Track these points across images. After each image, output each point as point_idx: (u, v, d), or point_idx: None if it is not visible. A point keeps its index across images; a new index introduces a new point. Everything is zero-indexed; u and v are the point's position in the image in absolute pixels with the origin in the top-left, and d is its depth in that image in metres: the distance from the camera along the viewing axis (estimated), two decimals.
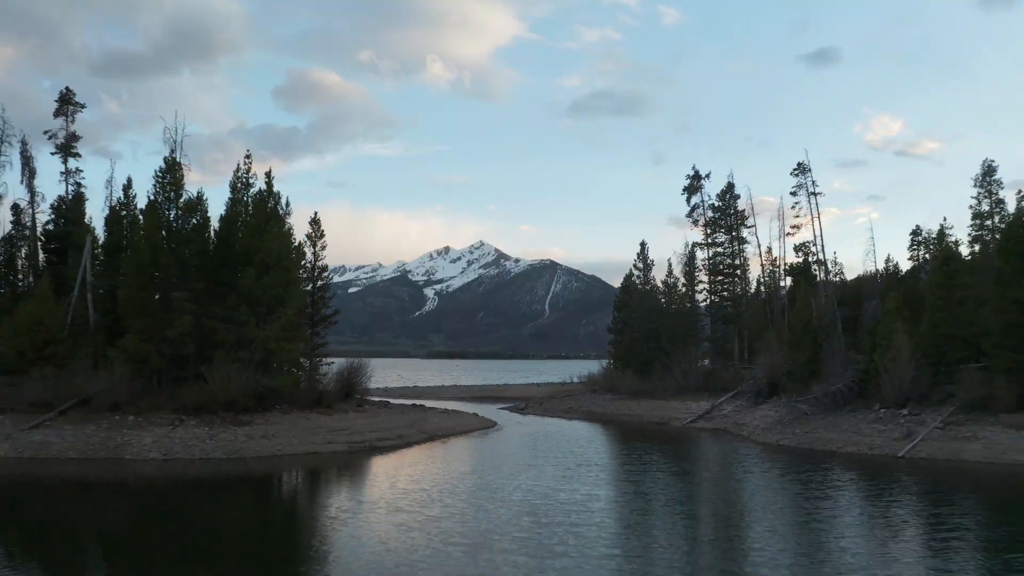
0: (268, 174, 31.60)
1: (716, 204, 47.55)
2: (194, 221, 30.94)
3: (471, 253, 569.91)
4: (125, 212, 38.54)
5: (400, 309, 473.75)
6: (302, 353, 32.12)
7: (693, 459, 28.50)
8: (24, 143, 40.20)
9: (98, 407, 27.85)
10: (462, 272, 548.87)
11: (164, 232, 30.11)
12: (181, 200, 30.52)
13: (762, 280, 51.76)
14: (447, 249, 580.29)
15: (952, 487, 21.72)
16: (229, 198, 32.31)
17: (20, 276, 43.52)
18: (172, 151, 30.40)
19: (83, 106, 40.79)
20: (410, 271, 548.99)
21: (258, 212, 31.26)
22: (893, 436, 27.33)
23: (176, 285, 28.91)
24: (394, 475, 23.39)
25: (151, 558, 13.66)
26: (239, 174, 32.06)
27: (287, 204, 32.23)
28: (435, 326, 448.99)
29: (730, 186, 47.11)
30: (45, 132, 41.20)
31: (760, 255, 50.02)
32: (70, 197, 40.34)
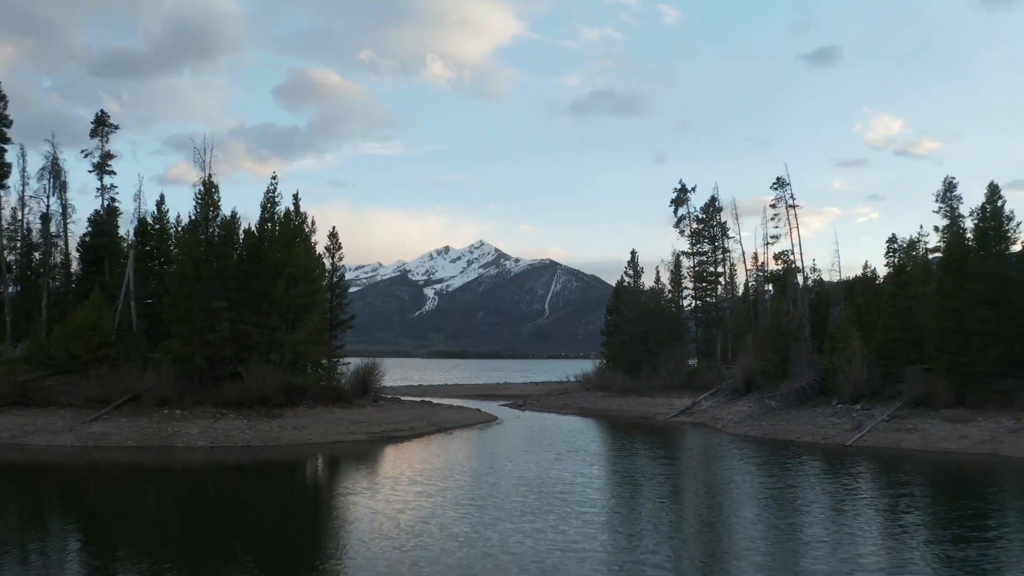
0: (295, 196, 35.89)
1: (700, 216, 51.64)
2: (213, 229, 35.03)
3: (471, 253, 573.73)
4: (159, 226, 42.80)
5: (400, 309, 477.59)
6: (324, 354, 36.16)
7: (669, 447, 32.53)
8: (55, 157, 44.01)
9: (148, 402, 31.93)
10: (462, 272, 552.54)
11: (203, 247, 34.12)
12: (218, 219, 34.59)
13: (749, 284, 55.89)
14: (447, 249, 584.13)
15: (883, 468, 25.76)
16: (260, 217, 36.36)
17: (54, 282, 47.76)
18: (209, 175, 34.43)
19: (116, 127, 44.79)
20: (410, 271, 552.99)
21: (285, 229, 35.32)
22: (845, 428, 31.42)
23: (215, 295, 32.93)
24: (410, 459, 27.46)
25: (203, 528, 17.58)
26: (268, 195, 36.12)
27: (312, 223, 36.33)
28: (435, 326, 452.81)
29: (713, 199, 51.27)
30: (82, 151, 45.25)
31: (744, 261, 54.19)
32: (105, 211, 44.54)
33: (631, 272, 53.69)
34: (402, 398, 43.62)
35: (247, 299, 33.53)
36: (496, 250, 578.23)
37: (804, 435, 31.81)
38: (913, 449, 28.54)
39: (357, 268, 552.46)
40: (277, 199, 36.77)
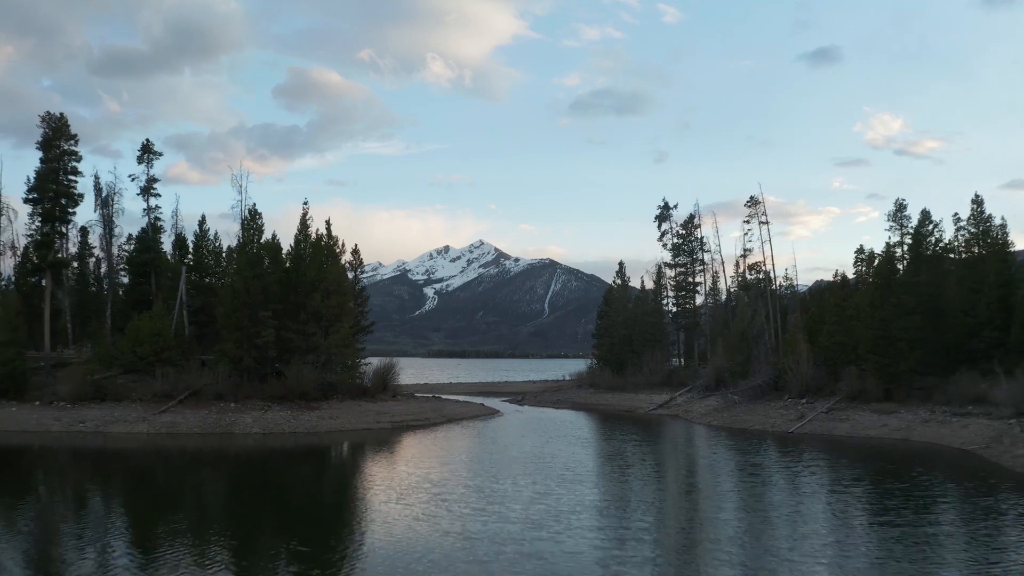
0: (327, 223, 42.59)
1: (680, 232, 58.17)
2: (257, 249, 41.60)
3: (471, 252, 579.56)
4: (202, 242, 49.34)
5: (400, 308, 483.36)
6: (352, 355, 42.67)
7: (642, 432, 38.99)
8: (96, 177, 50.15)
9: (206, 397, 38.44)
10: (462, 271, 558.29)
11: (251, 266, 40.55)
12: (262, 240, 41.06)
13: (728, 289, 62.38)
14: (447, 248, 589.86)
15: (811, 449, 32.19)
16: (295, 238, 42.82)
17: (99, 292, 54.24)
18: (253, 208, 40.94)
19: (160, 154, 51.09)
20: (410, 270, 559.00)
21: (317, 250, 41.78)
22: (790, 418, 37.91)
23: (261, 306, 39.35)
24: (429, 442, 33.92)
25: (268, 497, 24.09)
26: (304, 220, 42.58)
27: (342, 245, 42.84)
28: (435, 325, 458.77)
29: (692, 216, 57.73)
30: (129, 176, 51.79)
31: (724, 267, 60.72)
32: (151, 229, 50.96)
33: (618, 281, 60.25)
34: (415, 394, 50.07)
35: (288, 309, 39.98)
36: (496, 249, 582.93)
37: (756, 424, 38.31)
38: (842, 435, 34.96)
39: (357, 267, 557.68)
40: (309, 222, 43.22)
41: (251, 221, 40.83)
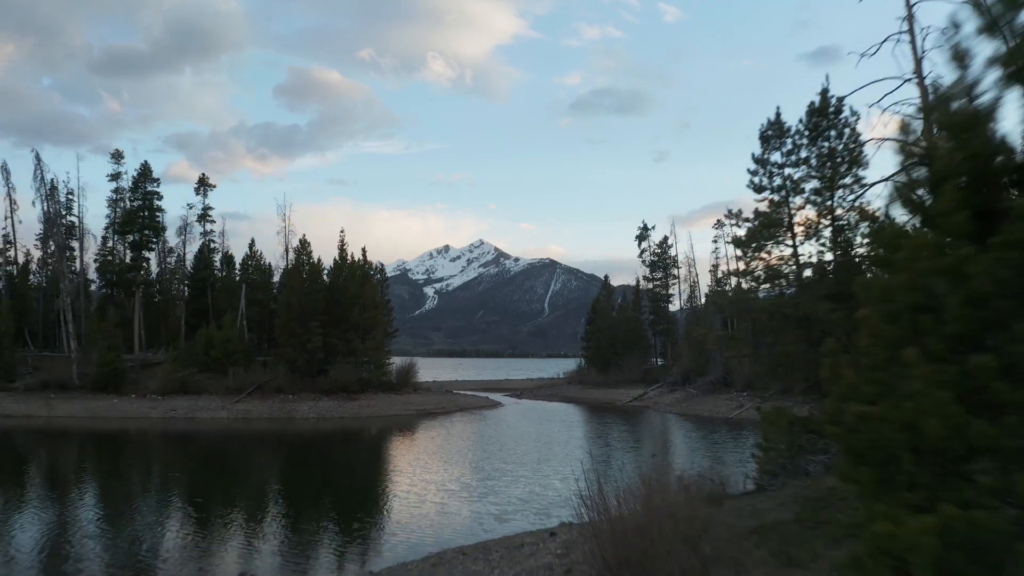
0: (364, 251, 53.21)
1: (657, 251, 68.93)
2: (305, 271, 52.28)
3: (471, 252, 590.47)
4: (252, 261, 60.10)
5: (400, 307, 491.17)
6: (383, 357, 53.44)
7: (616, 416, 49.60)
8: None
9: (268, 390, 49.06)
10: (462, 271, 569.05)
11: (299, 284, 51.21)
12: (309, 262, 51.78)
13: (705, 294, 73.18)
14: (447, 248, 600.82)
15: (731, 428, 42.78)
16: (334, 261, 53.54)
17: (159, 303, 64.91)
18: (304, 239, 51.59)
19: (214, 186, 61.92)
20: (410, 269, 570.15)
21: (352, 271, 52.45)
22: (732, 407, 48.57)
23: (311, 317, 49.98)
24: (447, 424, 44.53)
25: (325, 465, 34.73)
26: (342, 245, 53.28)
27: (379, 269, 53.44)
28: (435, 324, 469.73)
29: (665, 238, 68.58)
30: (188, 205, 62.53)
31: (697, 281, 71.44)
32: (207, 250, 61.71)
33: (604, 292, 71.02)
34: (429, 389, 60.78)
35: (331, 320, 50.62)
36: (496, 249, 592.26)
37: (706, 411, 49.00)
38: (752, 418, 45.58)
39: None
40: (346, 246, 53.94)
41: (302, 248, 51.50)
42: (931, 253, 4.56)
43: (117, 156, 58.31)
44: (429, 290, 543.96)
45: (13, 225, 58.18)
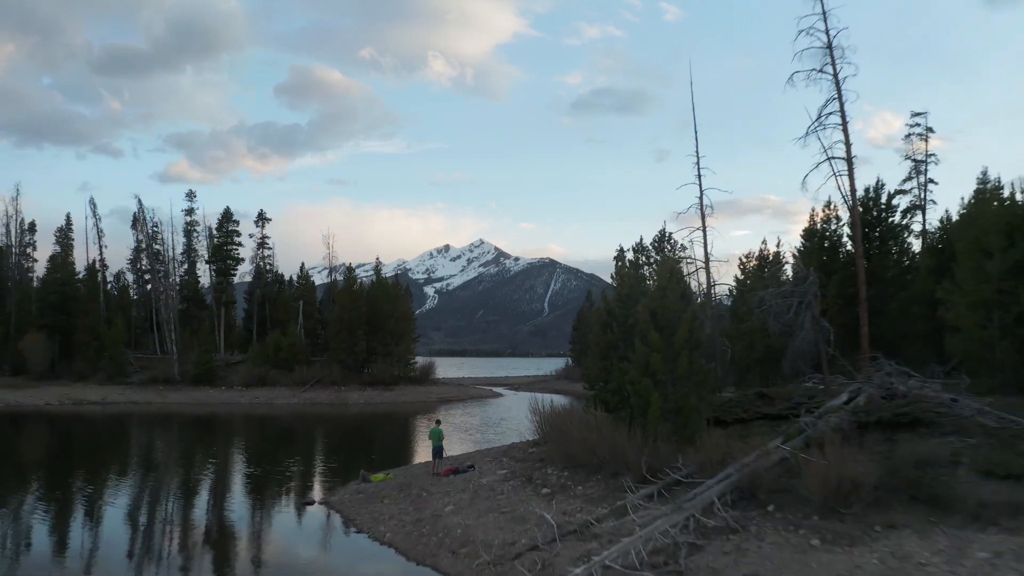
0: (397, 277, 69.95)
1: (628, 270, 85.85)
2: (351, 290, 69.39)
3: (471, 251, 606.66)
4: (303, 281, 77.21)
5: None
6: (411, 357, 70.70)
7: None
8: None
9: (325, 383, 66.08)
10: (462, 270, 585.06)
11: (347, 302, 68.25)
12: (355, 286, 68.88)
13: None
14: (447, 247, 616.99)
15: None
16: (372, 282, 70.61)
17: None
18: (350, 266, 68.73)
19: (270, 219, 78.95)
20: (410, 269, 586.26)
21: (387, 290, 69.52)
22: None
23: (356, 327, 67.00)
24: (462, 407, 61.52)
25: (373, 434, 51.83)
26: (379, 269, 70.29)
27: (407, 289, 70.50)
28: (435, 324, 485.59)
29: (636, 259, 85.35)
30: (250, 235, 79.48)
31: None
32: (264, 270, 78.73)
33: (587, 303, 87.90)
34: (446, 383, 78.02)
35: (371, 329, 67.68)
36: (496, 249, 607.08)
37: None
38: None
39: (357, 266, 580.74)
40: (382, 269, 71.08)
41: (349, 274, 68.56)
42: None
43: (191, 195, 75.42)
44: (429, 290, 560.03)
45: (101, 251, 74.79)
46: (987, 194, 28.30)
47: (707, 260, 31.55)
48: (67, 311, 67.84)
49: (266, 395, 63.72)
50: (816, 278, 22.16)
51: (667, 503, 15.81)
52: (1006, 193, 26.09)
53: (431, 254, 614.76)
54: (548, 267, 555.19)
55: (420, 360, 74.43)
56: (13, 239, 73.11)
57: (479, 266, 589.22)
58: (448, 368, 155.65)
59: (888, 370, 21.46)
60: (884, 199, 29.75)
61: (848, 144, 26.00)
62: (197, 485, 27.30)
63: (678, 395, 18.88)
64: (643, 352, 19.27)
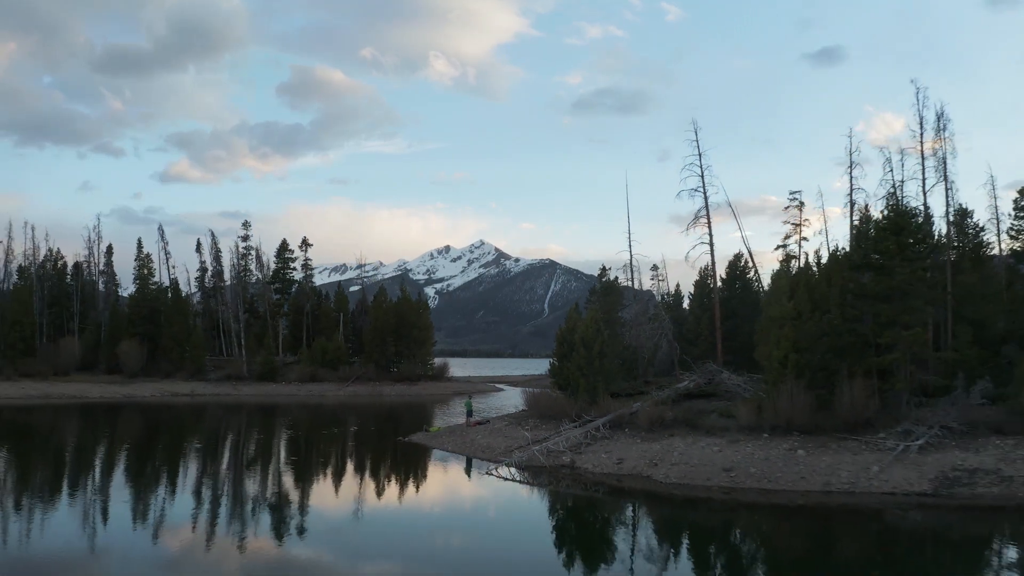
0: (420, 294, 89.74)
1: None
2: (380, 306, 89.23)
3: (471, 252, 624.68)
4: (342, 295, 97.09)
5: None
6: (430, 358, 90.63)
7: None
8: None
9: (363, 379, 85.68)
10: (462, 271, 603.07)
11: (380, 314, 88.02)
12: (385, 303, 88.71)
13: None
14: (447, 248, 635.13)
15: None
16: (398, 297, 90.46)
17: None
18: (382, 287, 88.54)
19: (311, 244, 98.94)
20: (411, 270, 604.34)
21: (411, 304, 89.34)
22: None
23: (388, 334, 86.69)
24: (475, 397, 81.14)
25: (402, 418, 71.74)
26: (404, 290, 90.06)
27: (428, 300, 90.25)
28: (435, 324, 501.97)
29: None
30: (291, 259, 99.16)
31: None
32: (306, 286, 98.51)
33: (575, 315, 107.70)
34: (457, 380, 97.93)
35: (398, 336, 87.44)
36: (496, 249, 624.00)
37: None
38: None
39: (358, 267, 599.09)
40: (407, 287, 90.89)
41: (380, 293, 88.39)
42: None
43: (246, 225, 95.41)
44: (430, 290, 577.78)
45: (168, 272, 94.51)
46: (782, 265, 47.99)
47: (713, 267, 51.19)
48: (155, 322, 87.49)
49: (317, 389, 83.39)
50: (668, 318, 41.97)
51: (579, 428, 35.58)
52: (802, 263, 45.79)
53: (432, 255, 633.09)
54: (548, 268, 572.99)
55: (437, 361, 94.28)
56: (98, 259, 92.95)
57: (479, 267, 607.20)
58: (451, 368, 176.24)
59: (712, 369, 41.21)
60: (741, 263, 49.63)
61: (711, 235, 46.01)
62: (334, 436, 47.11)
63: (593, 381, 38.56)
64: (576, 358, 38.96)
